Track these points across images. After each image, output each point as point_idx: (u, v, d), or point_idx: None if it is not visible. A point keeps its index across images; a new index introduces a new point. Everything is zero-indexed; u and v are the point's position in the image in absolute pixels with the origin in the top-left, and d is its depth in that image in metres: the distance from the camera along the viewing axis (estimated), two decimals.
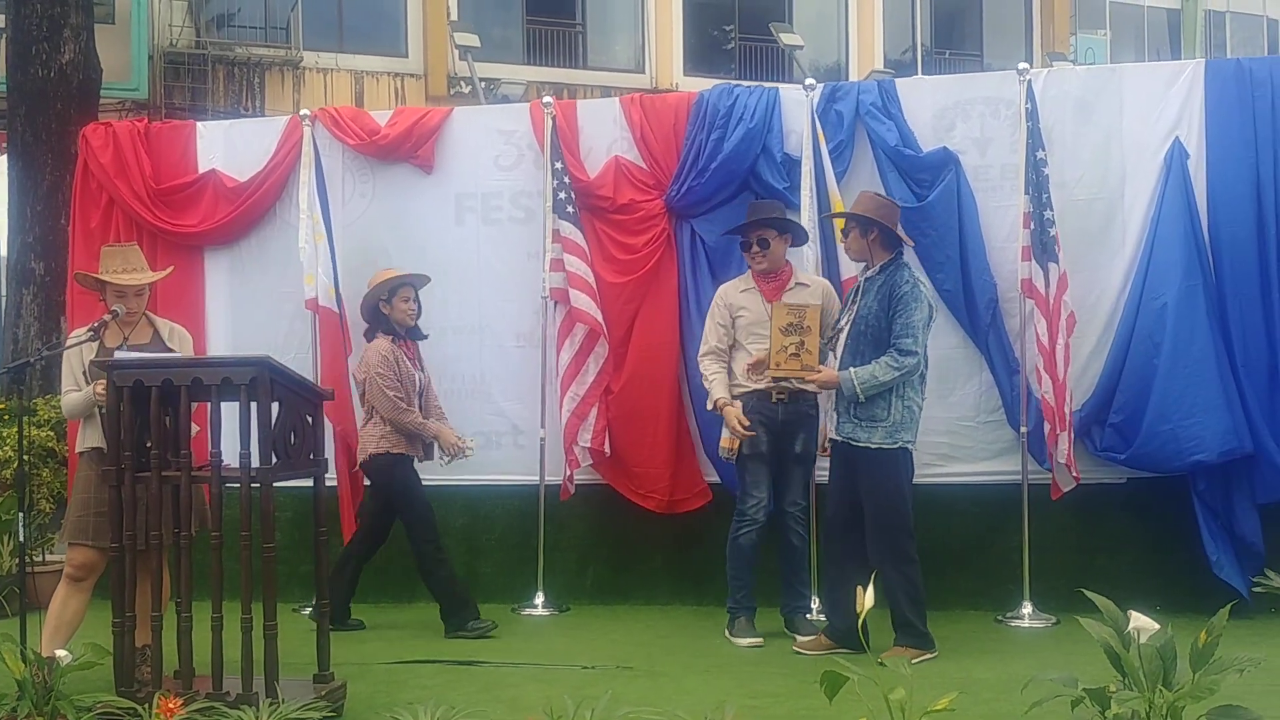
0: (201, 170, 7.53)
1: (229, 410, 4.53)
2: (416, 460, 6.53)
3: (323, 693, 4.60)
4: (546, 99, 7.27)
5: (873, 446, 5.61)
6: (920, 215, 6.63)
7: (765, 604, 6.32)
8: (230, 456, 4.53)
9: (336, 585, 6.26)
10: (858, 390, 5.56)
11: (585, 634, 6.35)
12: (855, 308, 5.77)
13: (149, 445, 4.53)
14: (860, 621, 3.41)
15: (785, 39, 20.47)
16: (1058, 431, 6.26)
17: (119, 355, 5.01)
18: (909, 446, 5.69)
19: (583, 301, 6.82)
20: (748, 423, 6.06)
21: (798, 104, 6.85)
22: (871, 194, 6.05)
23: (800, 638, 6.00)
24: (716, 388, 6.21)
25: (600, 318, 6.84)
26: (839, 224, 6.30)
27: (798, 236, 6.40)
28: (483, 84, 18.61)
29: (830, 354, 5.88)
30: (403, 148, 7.33)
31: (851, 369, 5.60)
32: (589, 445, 6.88)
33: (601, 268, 6.98)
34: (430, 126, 7.34)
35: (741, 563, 6.15)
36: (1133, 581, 6.29)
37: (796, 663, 5.63)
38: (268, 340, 7.02)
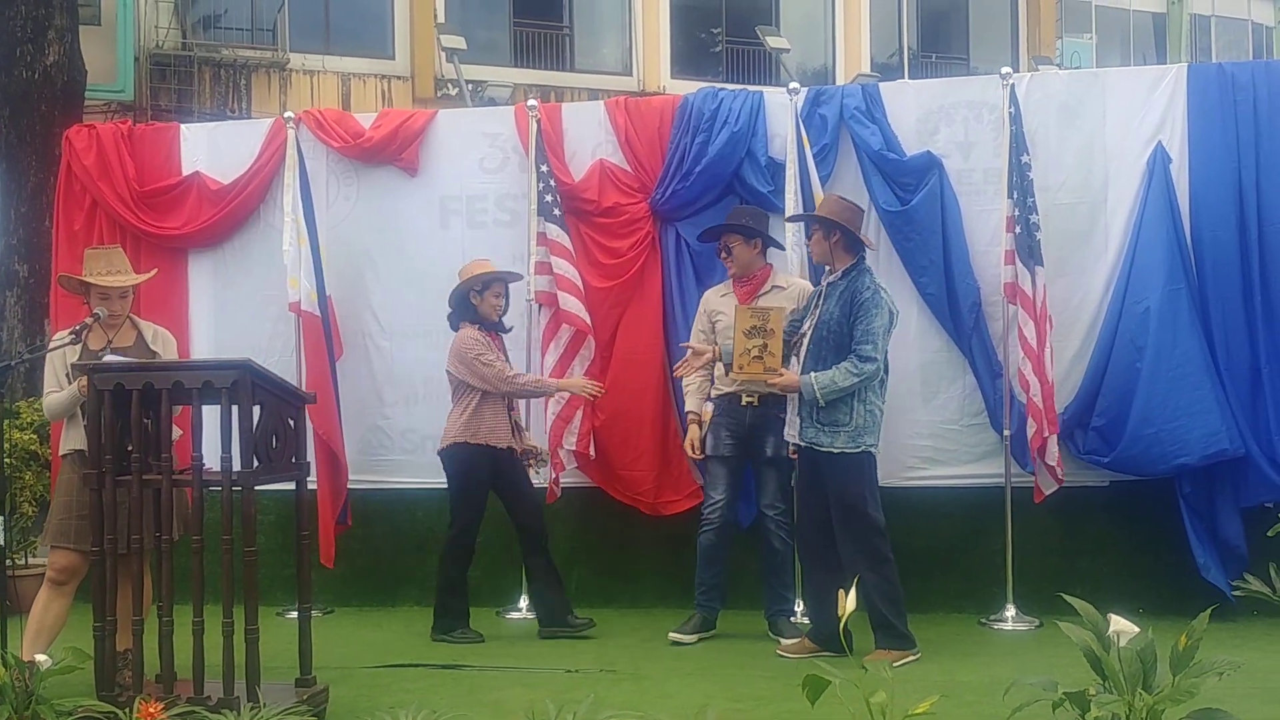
0: (185, 173, 7.50)
1: (210, 413, 4.52)
2: (502, 455, 6.40)
3: (305, 697, 4.58)
4: (531, 102, 7.27)
5: (836, 451, 5.63)
6: (904, 219, 6.67)
7: (751, 608, 6.35)
8: (212, 460, 4.52)
9: (547, 599, 6.36)
10: (818, 395, 5.57)
11: (569, 638, 6.33)
12: (817, 312, 5.78)
13: (130, 449, 4.51)
14: (842, 625, 3.41)
15: (772, 42, 20.49)
16: (1045, 434, 6.28)
17: (107, 359, 4.99)
18: (872, 450, 5.71)
19: (571, 304, 6.83)
20: (697, 451, 6.31)
21: (782, 108, 6.86)
22: (836, 197, 6.06)
23: (784, 641, 6.01)
24: (689, 399, 6.39)
25: (589, 320, 6.85)
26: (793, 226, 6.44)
27: (769, 241, 6.43)
28: (470, 86, 18.60)
29: (794, 358, 5.88)
30: (387, 150, 7.32)
31: (812, 374, 5.62)
32: (574, 449, 6.88)
33: (586, 271, 6.98)
34: (415, 129, 7.34)
35: (701, 562, 6.26)
36: (1115, 584, 6.33)
37: (779, 666, 5.63)
38: (251, 343, 6.99)
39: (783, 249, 6.60)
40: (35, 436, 7.52)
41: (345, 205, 7.43)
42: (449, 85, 18.96)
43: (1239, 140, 6.46)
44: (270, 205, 7.39)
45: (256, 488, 4.52)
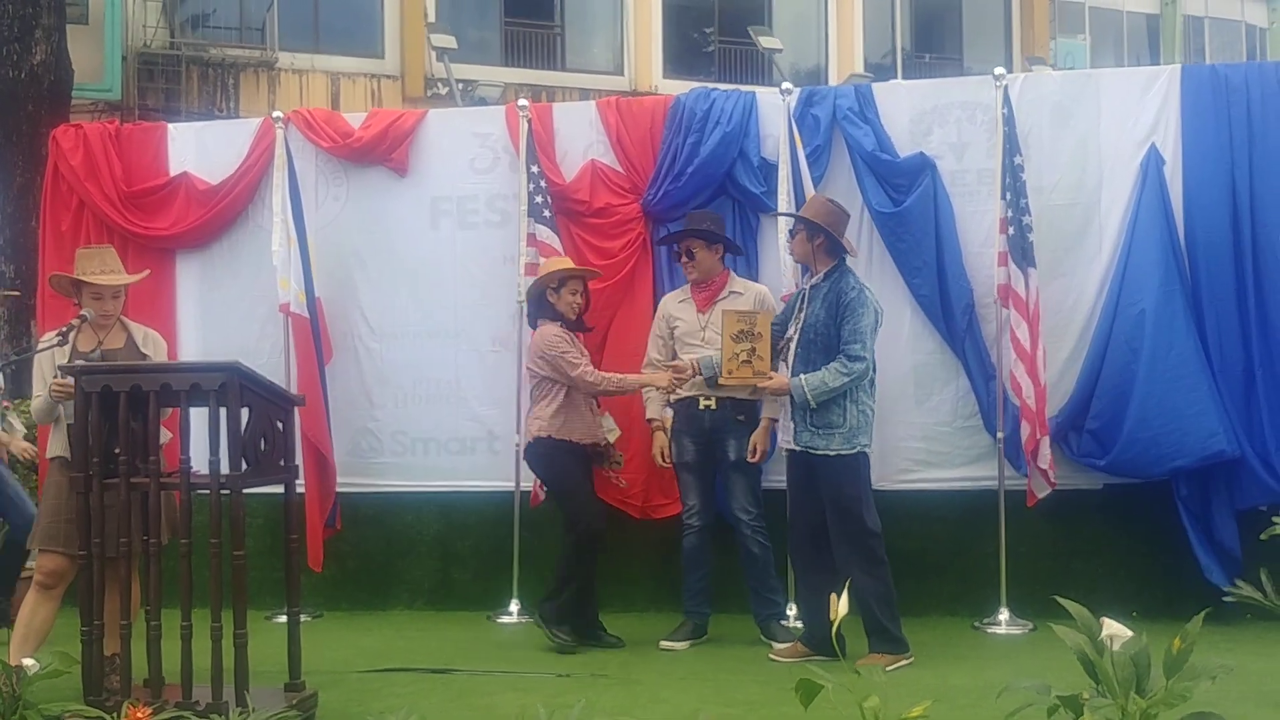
0: (173, 173, 7.46)
1: (199, 416, 4.48)
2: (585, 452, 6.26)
3: (294, 701, 4.55)
4: (522, 102, 7.24)
5: (832, 453, 5.61)
6: (897, 220, 6.65)
7: (742, 612, 6.32)
8: (200, 463, 4.48)
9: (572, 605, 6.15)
10: (808, 396, 5.55)
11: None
12: (802, 316, 5.76)
13: (117, 452, 4.47)
14: (835, 629, 3.39)
15: (765, 42, 20.50)
16: (1038, 436, 6.27)
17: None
18: (866, 450, 5.71)
19: None
20: (667, 459, 6.30)
21: (775, 108, 6.83)
22: (823, 199, 6.04)
23: (776, 645, 5.99)
24: (650, 406, 6.38)
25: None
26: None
27: (730, 245, 6.43)
28: (460, 86, 18.57)
29: (781, 363, 5.86)
30: (377, 150, 7.28)
31: (802, 375, 5.60)
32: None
33: None
34: (405, 129, 7.30)
35: (685, 568, 6.26)
36: (1109, 587, 6.32)
37: (772, 671, 5.61)
38: (239, 344, 6.95)
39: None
40: None
41: (335, 206, 7.39)
42: (439, 85, 18.92)
43: (1232, 142, 6.45)
44: (259, 206, 7.35)
45: (245, 490, 4.49)
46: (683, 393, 6.18)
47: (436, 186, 7.31)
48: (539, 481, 6.82)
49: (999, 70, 6.73)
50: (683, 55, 21.19)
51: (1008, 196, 6.34)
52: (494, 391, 7.15)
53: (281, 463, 4.73)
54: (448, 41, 18.65)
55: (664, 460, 6.31)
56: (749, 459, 6.14)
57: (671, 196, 6.92)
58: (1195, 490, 6.31)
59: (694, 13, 21.52)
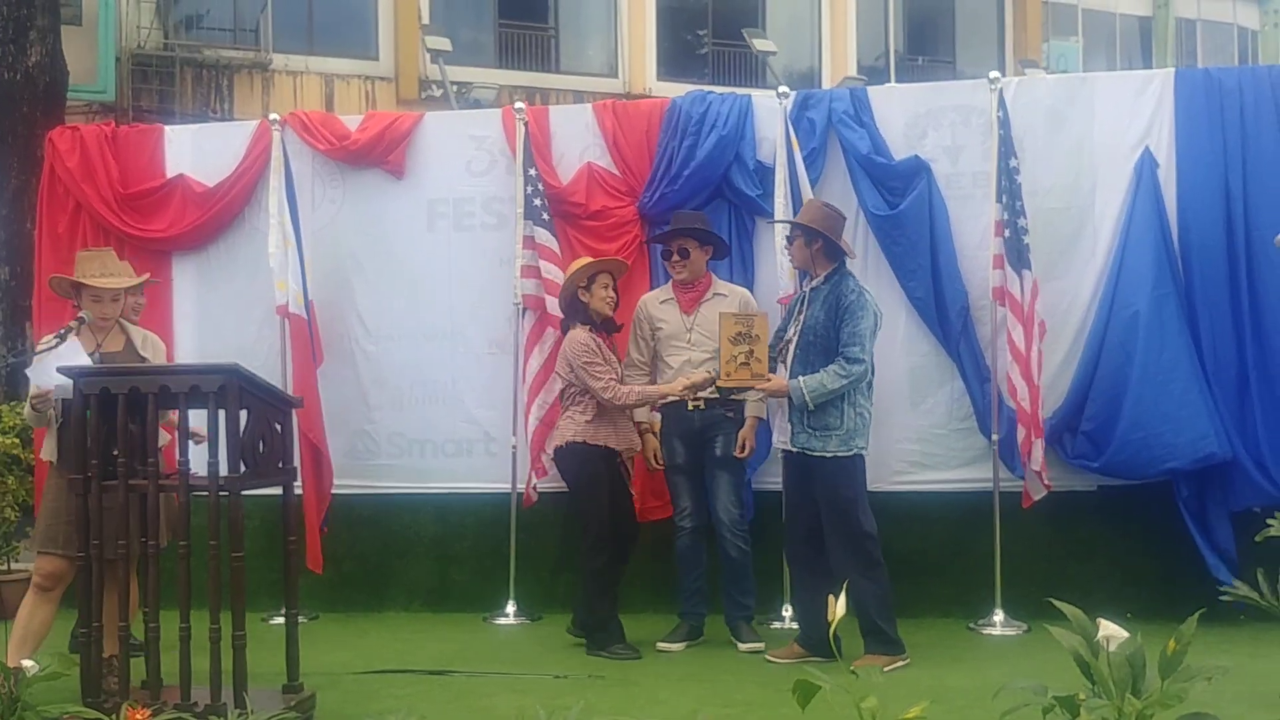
0: (169, 175, 7.47)
1: (197, 418, 4.49)
2: (615, 457, 6.22)
3: (292, 703, 4.55)
4: (519, 105, 7.25)
5: (829, 455, 5.63)
6: (892, 223, 6.68)
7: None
8: (198, 465, 4.49)
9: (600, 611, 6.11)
10: (807, 398, 5.57)
11: (557, 643, 6.32)
12: (801, 318, 5.77)
13: (116, 454, 4.48)
14: (832, 630, 3.40)
15: (758, 44, 20.49)
16: (1033, 438, 6.29)
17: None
18: (863, 452, 5.73)
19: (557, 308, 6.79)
20: (659, 463, 6.32)
21: (771, 111, 6.86)
22: (819, 203, 6.06)
23: (741, 645, 6.05)
24: (638, 410, 6.34)
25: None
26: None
27: (719, 249, 6.45)
28: (454, 88, 18.54)
29: (780, 365, 5.87)
30: (373, 153, 7.29)
31: (801, 378, 5.62)
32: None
33: None
34: (401, 132, 7.31)
35: (680, 569, 6.27)
36: (1104, 588, 6.34)
37: (769, 671, 5.62)
38: (235, 346, 6.97)
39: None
40: (18, 440, 7.46)
41: (331, 208, 7.40)
42: (433, 86, 18.89)
43: (1226, 145, 6.49)
44: (255, 208, 7.36)
45: (243, 492, 4.49)
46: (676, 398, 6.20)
47: (433, 189, 7.32)
48: (532, 482, 6.86)
49: (994, 74, 6.76)
50: (677, 57, 21.17)
51: (1003, 199, 6.37)
52: (491, 393, 7.16)
53: (280, 464, 4.74)
54: (442, 44, 18.61)
55: (656, 464, 6.32)
56: (736, 454, 6.16)
57: (668, 199, 6.93)
58: (1194, 491, 6.34)
59: (688, 15, 21.50)
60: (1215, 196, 6.47)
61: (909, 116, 6.83)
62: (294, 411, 5.00)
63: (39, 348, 5.28)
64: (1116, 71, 17.71)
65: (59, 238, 7.41)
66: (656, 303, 6.39)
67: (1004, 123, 6.46)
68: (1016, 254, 6.32)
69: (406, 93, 18.88)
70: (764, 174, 6.83)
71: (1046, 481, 6.38)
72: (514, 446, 6.96)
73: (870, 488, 5.93)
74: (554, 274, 6.84)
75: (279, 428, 4.73)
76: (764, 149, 6.89)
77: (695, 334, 6.20)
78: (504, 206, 7.17)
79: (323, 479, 7.11)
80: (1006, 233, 6.34)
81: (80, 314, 5.26)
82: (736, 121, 6.91)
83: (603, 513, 6.14)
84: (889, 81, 18.90)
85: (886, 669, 5.23)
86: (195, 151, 7.52)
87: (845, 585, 3.83)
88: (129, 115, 15.99)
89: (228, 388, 4.42)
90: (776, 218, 6.59)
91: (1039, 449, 6.31)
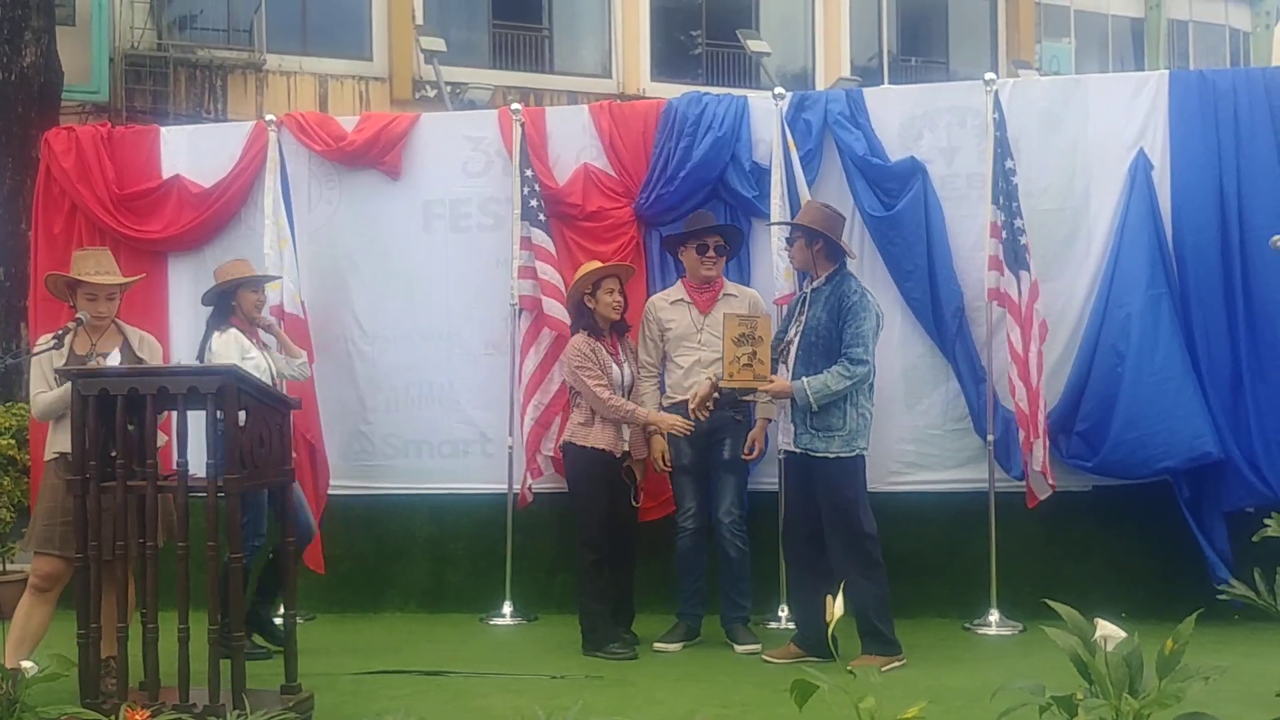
0: (165, 176, 7.46)
1: (195, 419, 4.49)
2: (617, 459, 6.19)
3: (290, 704, 4.54)
4: (515, 106, 7.25)
5: (831, 456, 5.64)
6: (888, 224, 6.69)
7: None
8: (197, 466, 4.49)
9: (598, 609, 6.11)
10: (810, 399, 5.58)
11: (554, 644, 6.33)
12: (803, 319, 5.78)
13: (114, 454, 4.48)
14: (830, 630, 3.41)
15: (752, 45, 20.51)
16: (1032, 439, 6.31)
17: (108, 364, 4.93)
18: (864, 453, 5.75)
19: (556, 309, 6.80)
20: (667, 464, 6.18)
21: (767, 112, 6.88)
22: (818, 204, 6.07)
23: (738, 646, 6.05)
24: (642, 410, 6.26)
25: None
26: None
27: (734, 248, 6.51)
28: (448, 88, 18.53)
29: (781, 365, 5.88)
30: (369, 154, 7.29)
31: (804, 379, 5.63)
32: (552, 454, 6.86)
33: (570, 276, 6.96)
34: (397, 132, 7.31)
35: (679, 570, 6.26)
36: (1099, 588, 6.36)
37: (766, 672, 5.63)
38: None
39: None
40: (13, 441, 7.45)
41: (327, 209, 7.40)
42: (427, 87, 18.88)
43: (1220, 147, 6.52)
44: (251, 209, 7.36)
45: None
46: (675, 397, 6.20)
47: (429, 190, 7.32)
48: (528, 483, 6.87)
49: (989, 75, 6.77)
50: (670, 58, 21.19)
51: (1000, 201, 6.38)
52: (487, 394, 7.17)
53: (278, 465, 4.74)
54: (436, 44, 18.60)
55: (664, 464, 6.30)
56: (744, 457, 6.17)
57: (664, 200, 6.95)
58: (1193, 492, 6.36)
59: (682, 16, 21.52)
60: (1209, 198, 6.50)
61: (905, 118, 6.85)
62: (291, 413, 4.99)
63: (36, 348, 5.29)
64: (1111, 73, 17.74)
65: (54, 239, 7.40)
66: (666, 303, 6.38)
67: (999, 124, 6.48)
68: (1014, 255, 6.34)
69: (400, 93, 18.88)
70: (760, 175, 6.85)
71: (1051, 481, 6.40)
72: (510, 447, 6.97)
73: (867, 488, 5.94)
74: (550, 275, 6.85)
75: (278, 428, 4.73)
76: (760, 150, 6.90)
77: (706, 334, 6.19)
78: (500, 207, 7.17)
79: (319, 480, 7.10)
80: (1004, 234, 6.36)
81: (78, 315, 5.25)
82: (732, 123, 6.93)
83: (597, 513, 6.15)
84: (882, 82, 18.92)
85: (884, 669, 5.24)
86: (191, 152, 7.52)
87: (843, 585, 3.84)
88: (123, 116, 15.98)
89: (226, 389, 4.41)
90: (773, 219, 6.60)
91: (1040, 449, 6.32)
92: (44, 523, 5.17)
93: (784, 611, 6.59)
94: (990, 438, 6.52)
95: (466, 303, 7.23)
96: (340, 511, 7.21)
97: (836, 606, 3.38)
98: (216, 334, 6.16)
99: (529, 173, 6.94)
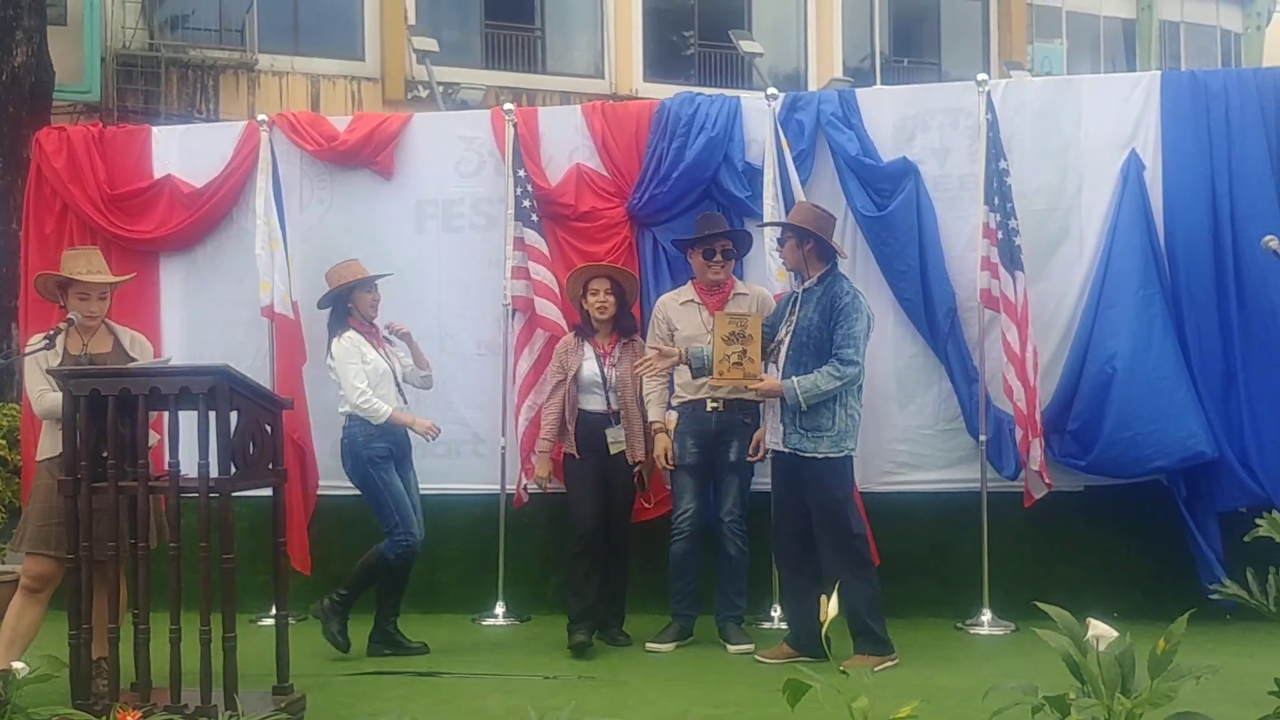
0: (157, 176, 7.45)
1: (187, 419, 4.48)
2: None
3: (282, 704, 4.55)
4: (508, 106, 7.24)
5: (820, 456, 5.64)
6: (880, 224, 6.70)
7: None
8: (188, 466, 4.48)
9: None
10: (800, 399, 5.58)
11: (547, 644, 6.31)
12: (794, 319, 5.78)
13: (106, 455, 4.46)
14: (824, 630, 3.41)
15: (745, 46, 20.52)
16: (1030, 438, 6.31)
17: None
18: (852, 453, 5.75)
19: (549, 310, 6.81)
20: (670, 462, 6.21)
21: (759, 113, 6.88)
22: (809, 204, 6.08)
23: (731, 646, 6.06)
24: (651, 409, 6.31)
25: (565, 325, 6.81)
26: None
27: (740, 251, 6.50)
28: (441, 88, 18.52)
29: (771, 365, 5.88)
30: (362, 154, 7.28)
31: (794, 378, 5.63)
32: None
33: (563, 276, 6.95)
34: (390, 132, 7.30)
35: (673, 571, 6.25)
36: (1091, 588, 6.37)
37: (759, 672, 5.64)
38: (223, 348, 6.96)
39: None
40: (4, 441, 7.44)
41: (319, 209, 7.39)
42: (420, 87, 18.87)
43: (1212, 147, 6.53)
44: (243, 209, 7.34)
45: (233, 494, 4.49)
46: (685, 395, 6.20)
47: (421, 190, 7.32)
48: (523, 483, 6.87)
49: (981, 76, 6.78)
50: (663, 59, 21.19)
51: (994, 201, 6.39)
52: (479, 395, 7.16)
53: (270, 466, 4.74)
54: (428, 44, 18.59)
55: (668, 463, 6.29)
56: (750, 458, 6.18)
57: (657, 201, 6.95)
58: (1188, 491, 6.37)
59: (674, 16, 21.52)
60: (1201, 198, 6.52)
61: (897, 118, 6.86)
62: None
63: (28, 348, 5.27)
64: (1103, 74, 17.78)
65: (46, 239, 7.38)
66: (676, 304, 6.38)
67: (992, 125, 6.49)
68: (1009, 255, 6.35)
69: (393, 93, 18.86)
70: (752, 175, 6.84)
71: (1048, 480, 6.41)
72: (503, 448, 6.96)
73: (858, 488, 5.94)
74: (543, 275, 6.85)
75: (269, 429, 4.72)
76: (752, 150, 6.90)
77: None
78: (493, 207, 7.17)
79: (308, 480, 7.09)
80: (999, 235, 6.36)
81: (69, 315, 5.24)
82: (725, 123, 6.93)
83: (580, 509, 6.23)
84: (874, 83, 18.96)
85: (876, 669, 5.23)
86: (183, 152, 7.50)
87: (837, 585, 3.85)
88: (114, 115, 15.95)
89: (218, 389, 4.41)
90: (766, 219, 6.60)
91: (1037, 448, 6.33)
92: (38, 523, 5.16)
93: (776, 612, 6.59)
94: (983, 438, 6.53)
95: (459, 303, 7.22)
96: (331, 512, 7.19)
97: (830, 606, 3.38)
98: (336, 340, 6.19)
99: (521, 173, 6.93)
